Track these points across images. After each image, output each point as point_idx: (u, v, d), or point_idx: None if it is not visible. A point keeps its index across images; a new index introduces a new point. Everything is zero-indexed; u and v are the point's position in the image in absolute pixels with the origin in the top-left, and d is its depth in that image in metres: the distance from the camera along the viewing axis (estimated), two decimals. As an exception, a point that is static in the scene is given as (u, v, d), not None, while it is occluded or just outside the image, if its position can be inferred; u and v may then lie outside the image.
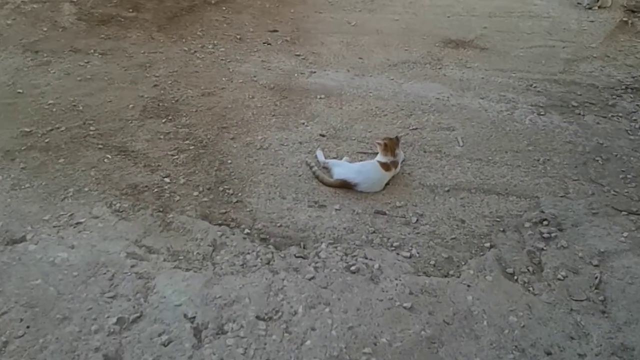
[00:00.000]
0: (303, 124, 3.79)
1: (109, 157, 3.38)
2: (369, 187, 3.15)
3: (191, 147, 3.50)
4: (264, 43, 4.99)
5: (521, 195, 3.15)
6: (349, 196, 3.13)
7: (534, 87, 4.30)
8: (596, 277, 2.62)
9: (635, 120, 3.88)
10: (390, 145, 3.16)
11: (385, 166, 3.16)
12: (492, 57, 4.81)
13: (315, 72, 4.48)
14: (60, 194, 3.06)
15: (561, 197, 3.14)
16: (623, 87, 4.31)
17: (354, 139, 3.62)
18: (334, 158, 3.41)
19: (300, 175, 3.28)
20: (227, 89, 4.19)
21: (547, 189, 3.21)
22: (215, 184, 3.20)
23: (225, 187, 3.18)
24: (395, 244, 2.81)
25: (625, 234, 2.88)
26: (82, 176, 3.21)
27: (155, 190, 3.13)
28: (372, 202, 3.09)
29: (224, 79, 4.34)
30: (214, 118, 3.82)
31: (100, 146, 3.47)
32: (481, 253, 2.76)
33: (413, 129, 3.74)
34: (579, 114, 3.95)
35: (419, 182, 3.25)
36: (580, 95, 4.20)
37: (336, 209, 3.03)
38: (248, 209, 3.02)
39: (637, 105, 4.05)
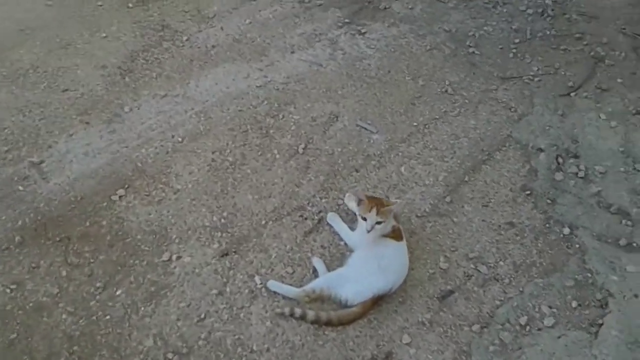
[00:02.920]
0: (168, 261, 2.06)
1: None
2: (402, 278, 2.01)
3: None
4: None
5: (501, 146, 2.52)
6: (386, 310, 1.96)
7: (307, 1, 3.31)
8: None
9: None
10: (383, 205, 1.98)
11: (399, 234, 2.03)
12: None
13: (43, 162, 2.38)
14: None
15: (525, 115, 2.66)
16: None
17: (267, 222, 2.19)
18: (293, 274, 2.03)
19: (302, 344, 1.86)
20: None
21: (499, 119, 2.67)
22: None
23: None
24: (522, 321, 1.94)
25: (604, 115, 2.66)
26: None
27: None
28: (420, 291, 2.02)
29: None
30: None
31: None
32: (569, 251, 2.16)
33: (302, 150, 2.45)
34: (384, 8, 3.27)
35: (415, 214, 2.24)
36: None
37: (407, 344, 1.87)
38: None
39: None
